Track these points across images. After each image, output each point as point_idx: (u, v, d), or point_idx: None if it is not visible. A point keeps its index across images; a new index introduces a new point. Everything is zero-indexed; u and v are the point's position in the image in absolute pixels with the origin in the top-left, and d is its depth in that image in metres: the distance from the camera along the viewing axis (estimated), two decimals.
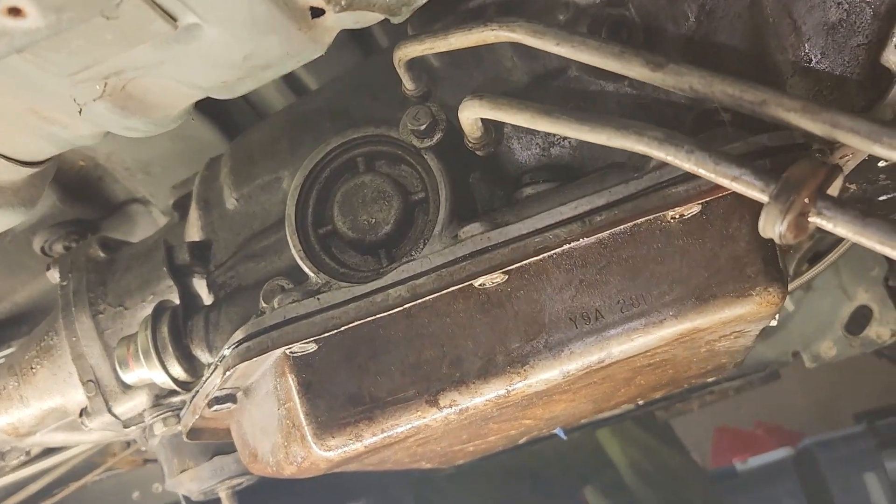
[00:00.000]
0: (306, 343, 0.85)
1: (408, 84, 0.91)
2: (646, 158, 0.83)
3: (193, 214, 1.22)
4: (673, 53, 0.96)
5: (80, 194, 1.70)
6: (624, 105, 0.98)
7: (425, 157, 0.90)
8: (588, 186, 0.82)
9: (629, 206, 0.76)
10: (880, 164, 1.02)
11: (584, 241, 0.79)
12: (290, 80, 1.51)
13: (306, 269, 0.91)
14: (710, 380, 1.64)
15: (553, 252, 0.80)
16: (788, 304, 2.05)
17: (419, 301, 0.81)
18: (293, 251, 0.92)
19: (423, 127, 0.88)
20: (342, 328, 0.83)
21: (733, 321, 0.82)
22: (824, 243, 1.78)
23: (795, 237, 0.55)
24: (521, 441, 1.49)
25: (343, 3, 0.60)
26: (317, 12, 0.62)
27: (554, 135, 0.94)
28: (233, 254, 1.16)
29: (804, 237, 0.57)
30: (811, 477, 4.60)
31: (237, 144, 1.24)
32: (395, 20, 0.66)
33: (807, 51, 0.88)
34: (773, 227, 0.54)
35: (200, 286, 1.20)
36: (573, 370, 0.83)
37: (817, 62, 0.88)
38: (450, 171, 0.90)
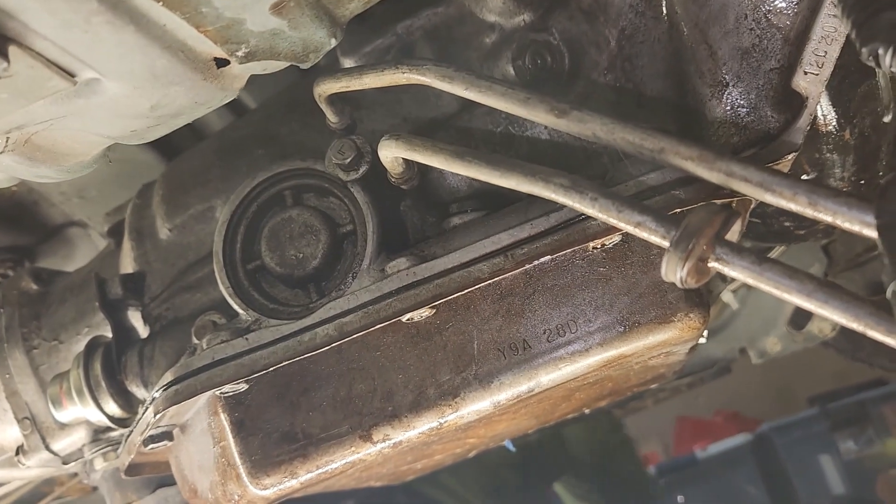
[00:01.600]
0: (236, 384, 0.85)
1: (331, 117, 0.90)
2: None
3: (126, 245, 1.20)
4: (597, 77, 0.98)
5: (14, 220, 1.66)
6: (551, 127, 0.99)
7: (351, 190, 0.90)
8: (513, 217, 0.82)
9: (549, 239, 0.77)
10: (802, 178, 1.05)
11: (509, 273, 0.80)
12: None
13: (235, 307, 0.90)
14: (653, 386, 1.66)
15: (478, 285, 0.80)
16: (733, 302, 2.08)
17: (346, 339, 0.81)
18: (222, 288, 0.91)
19: (347, 161, 0.88)
20: (270, 369, 0.82)
21: (658, 346, 0.83)
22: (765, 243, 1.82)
23: (697, 282, 0.56)
24: (471, 455, 1.50)
25: (245, 54, 0.59)
26: (221, 62, 0.62)
27: None
28: (168, 285, 1.15)
29: (706, 281, 0.58)
30: (769, 461, 4.70)
31: (169, 172, 1.22)
32: (304, 66, 0.66)
33: (723, 75, 0.90)
34: (674, 272, 0.55)
35: (136, 318, 1.18)
36: (503, 400, 0.84)
37: (734, 86, 0.89)
38: (377, 203, 0.89)
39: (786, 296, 0.52)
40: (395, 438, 0.85)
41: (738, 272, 0.54)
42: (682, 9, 0.91)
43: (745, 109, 0.89)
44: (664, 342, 0.82)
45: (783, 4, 0.84)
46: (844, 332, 2.28)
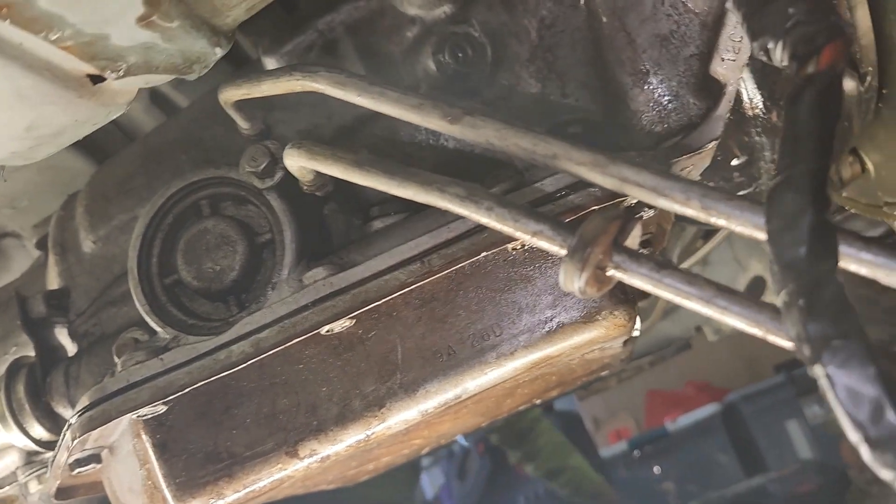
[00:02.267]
0: (154, 406, 0.82)
1: (241, 124, 0.87)
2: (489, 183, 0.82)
3: (51, 259, 1.16)
4: (520, 69, 0.95)
5: None
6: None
7: (267, 197, 0.86)
8: (431, 220, 0.80)
9: (467, 242, 0.75)
10: (733, 163, 1.03)
11: (426, 280, 0.77)
12: (158, 99, 1.45)
13: (153, 324, 0.87)
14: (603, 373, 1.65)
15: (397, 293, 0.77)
16: None
17: (263, 356, 0.78)
18: (138, 306, 0.88)
19: (261, 168, 0.85)
20: (186, 390, 0.79)
21: (585, 345, 0.81)
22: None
23: (598, 290, 0.54)
24: (424, 452, 1.48)
25: (121, 71, 0.56)
26: (96, 79, 0.58)
27: None
28: (93, 300, 1.11)
29: (608, 289, 0.56)
30: (738, 429, 4.76)
31: (92, 182, 1.18)
32: (191, 78, 0.62)
33: (643, 63, 0.88)
34: (571, 283, 0.54)
35: (63, 335, 1.14)
36: (431, 408, 0.82)
37: (654, 73, 0.88)
38: (295, 211, 0.86)
39: (686, 302, 0.50)
40: (322, 453, 0.83)
41: (637, 280, 0.53)
42: None
43: (666, 98, 0.87)
44: (591, 341, 0.81)
45: None
46: None
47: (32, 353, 1.12)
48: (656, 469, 4.68)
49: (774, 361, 4.79)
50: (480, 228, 0.76)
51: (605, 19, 0.89)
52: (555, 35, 0.93)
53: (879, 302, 2.34)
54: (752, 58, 0.93)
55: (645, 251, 0.90)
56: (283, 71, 0.75)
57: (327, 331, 0.80)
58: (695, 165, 0.83)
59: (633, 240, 0.56)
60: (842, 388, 0.39)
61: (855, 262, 0.43)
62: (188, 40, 0.57)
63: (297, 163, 0.76)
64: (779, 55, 0.47)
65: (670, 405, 5.17)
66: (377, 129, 0.99)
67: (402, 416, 0.82)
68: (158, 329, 0.87)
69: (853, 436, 0.38)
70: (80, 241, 1.12)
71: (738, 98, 0.96)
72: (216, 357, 0.79)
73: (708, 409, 4.73)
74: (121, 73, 0.57)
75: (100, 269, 1.11)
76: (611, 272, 0.53)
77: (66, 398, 1.04)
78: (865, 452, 0.38)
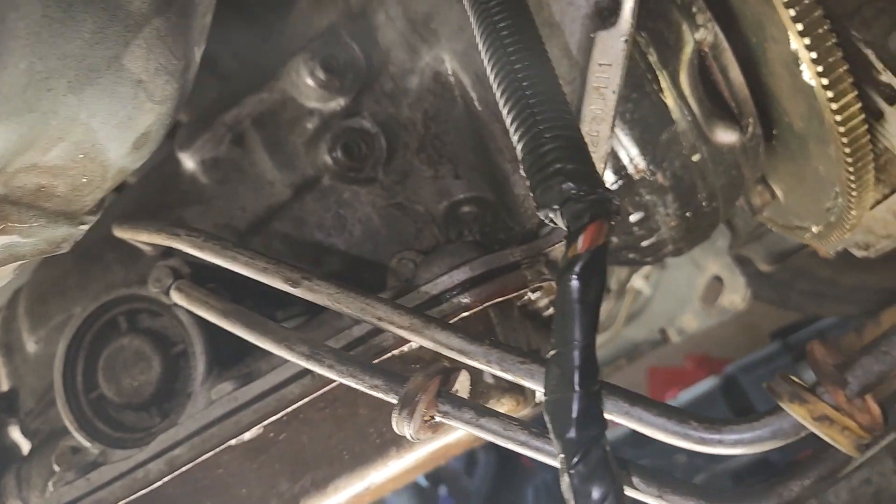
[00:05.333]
0: None
1: (143, 248, 0.92)
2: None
3: None
4: (411, 157, 1.00)
5: None
6: (378, 206, 1.02)
7: (176, 312, 0.91)
8: (324, 329, 0.84)
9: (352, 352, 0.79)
10: (631, 219, 1.08)
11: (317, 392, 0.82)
12: None
13: (81, 440, 0.93)
14: None
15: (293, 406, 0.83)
16: (646, 288, 2.14)
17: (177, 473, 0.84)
18: (66, 423, 0.93)
19: (166, 287, 0.90)
20: None
21: None
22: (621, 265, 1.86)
23: (433, 433, 0.60)
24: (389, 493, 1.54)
25: None
26: None
27: None
28: (40, 398, 1.16)
29: (442, 431, 0.61)
30: (738, 400, 4.80)
31: (31, 282, 1.23)
32: (61, 252, 0.67)
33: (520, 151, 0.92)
34: (403, 431, 0.59)
35: (17, 433, 1.19)
36: (343, 501, 0.87)
37: None
38: (205, 322, 0.91)
39: (503, 443, 0.55)
40: None
41: (460, 425, 0.58)
42: (473, 91, 0.93)
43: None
44: None
45: None
46: (770, 283, 2.34)
47: None
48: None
49: (770, 329, 4.82)
50: (366, 337, 0.81)
51: (480, 110, 0.93)
52: (440, 124, 0.98)
53: (841, 281, 2.39)
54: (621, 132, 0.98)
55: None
56: (154, 228, 0.80)
57: (237, 441, 0.85)
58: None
59: (464, 383, 0.61)
60: None
61: (625, 418, 0.47)
62: (48, 231, 0.62)
63: (180, 302, 0.81)
64: (562, 223, 0.51)
65: (671, 381, 5.22)
66: (286, 221, 1.05)
67: None
68: (87, 444, 0.92)
69: None
70: (24, 341, 1.17)
71: (622, 167, 1.00)
72: (135, 476, 0.85)
73: (707, 383, 4.78)
74: None
75: (44, 367, 1.16)
76: (438, 418, 0.58)
77: (19, 499, 1.10)
78: None
